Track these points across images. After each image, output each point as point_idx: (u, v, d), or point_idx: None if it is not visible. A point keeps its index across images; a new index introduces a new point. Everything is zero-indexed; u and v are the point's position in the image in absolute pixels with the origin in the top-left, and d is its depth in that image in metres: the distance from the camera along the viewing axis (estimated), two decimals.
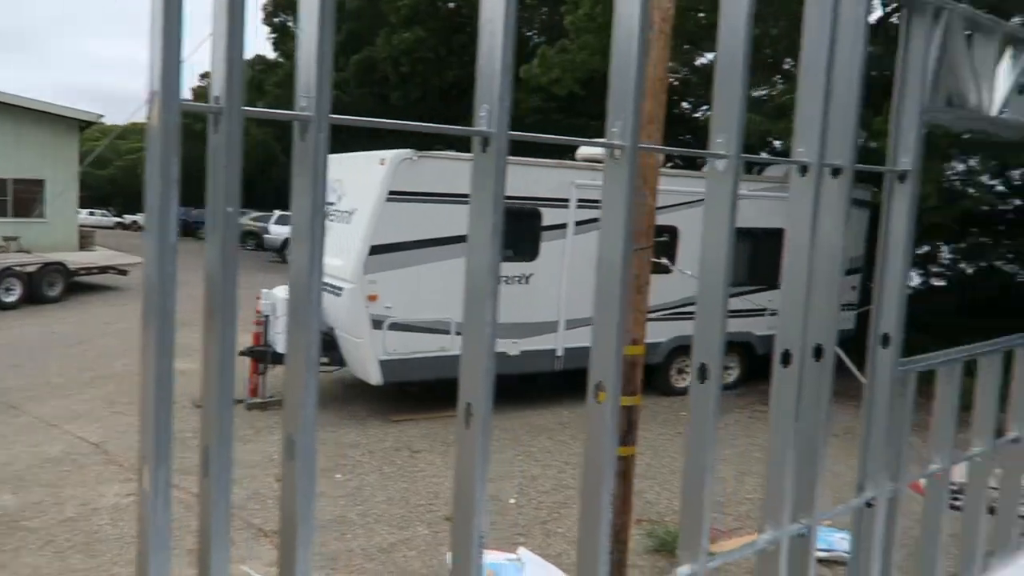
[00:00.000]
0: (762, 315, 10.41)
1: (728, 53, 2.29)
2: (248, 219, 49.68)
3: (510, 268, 11.32)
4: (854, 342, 4.34)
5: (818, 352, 2.80)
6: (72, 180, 35.19)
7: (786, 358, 2.66)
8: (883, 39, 9.92)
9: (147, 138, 1.32)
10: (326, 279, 3.78)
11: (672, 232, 10.30)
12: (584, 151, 12.16)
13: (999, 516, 4.06)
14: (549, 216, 11.60)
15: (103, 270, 30.98)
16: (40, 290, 26.74)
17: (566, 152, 13.50)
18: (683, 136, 13.49)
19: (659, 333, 10.11)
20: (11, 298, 25.63)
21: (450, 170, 12.08)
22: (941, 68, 3.02)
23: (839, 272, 2.77)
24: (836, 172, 2.69)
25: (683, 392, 10.17)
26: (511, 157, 1.79)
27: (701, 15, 12.62)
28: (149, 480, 1.30)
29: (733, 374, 10.42)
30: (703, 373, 2.38)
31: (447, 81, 32.69)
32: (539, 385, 12.74)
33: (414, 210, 12.27)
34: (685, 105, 14.09)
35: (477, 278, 1.87)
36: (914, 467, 3.57)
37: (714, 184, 2.35)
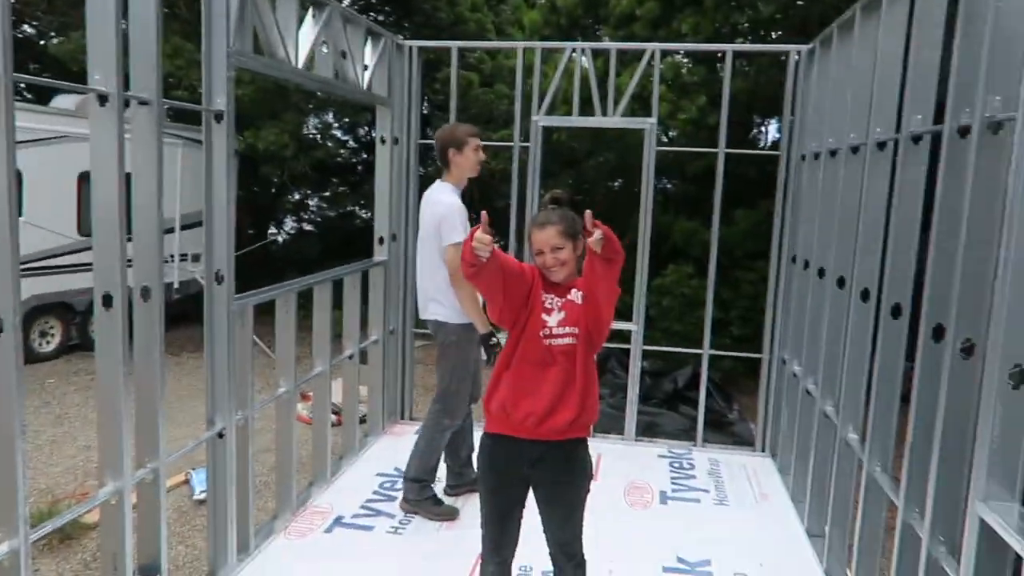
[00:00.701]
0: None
1: None
2: None
3: None
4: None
5: (146, 293, 2.75)
6: None
7: (108, 301, 2.53)
8: None
9: None
10: None
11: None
12: None
13: (344, 422, 4.72)
14: None
15: None
16: None
17: None
18: (32, 66, 11.58)
19: None
20: None
21: None
22: (244, 15, 3.20)
23: (158, 211, 2.74)
24: (144, 104, 2.63)
25: (49, 358, 8.96)
26: None
27: None
28: None
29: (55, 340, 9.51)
30: None
31: None
32: None
33: None
34: (29, 30, 12.03)
35: None
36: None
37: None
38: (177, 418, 5.72)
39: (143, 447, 2.78)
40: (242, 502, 3.36)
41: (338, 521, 3.80)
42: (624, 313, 9.38)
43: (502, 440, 2.50)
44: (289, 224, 15.05)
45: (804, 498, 3.95)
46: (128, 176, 2.60)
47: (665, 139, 10.17)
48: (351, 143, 14.44)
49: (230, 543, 3.27)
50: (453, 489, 4.12)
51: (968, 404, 2.20)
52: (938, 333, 2.39)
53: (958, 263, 2.21)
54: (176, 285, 9.69)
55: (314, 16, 3.98)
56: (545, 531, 2.55)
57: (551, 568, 2.62)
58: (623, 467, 4.56)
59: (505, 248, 11.14)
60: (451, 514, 3.86)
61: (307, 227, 14.87)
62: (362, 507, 3.96)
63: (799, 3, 8.40)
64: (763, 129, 11.47)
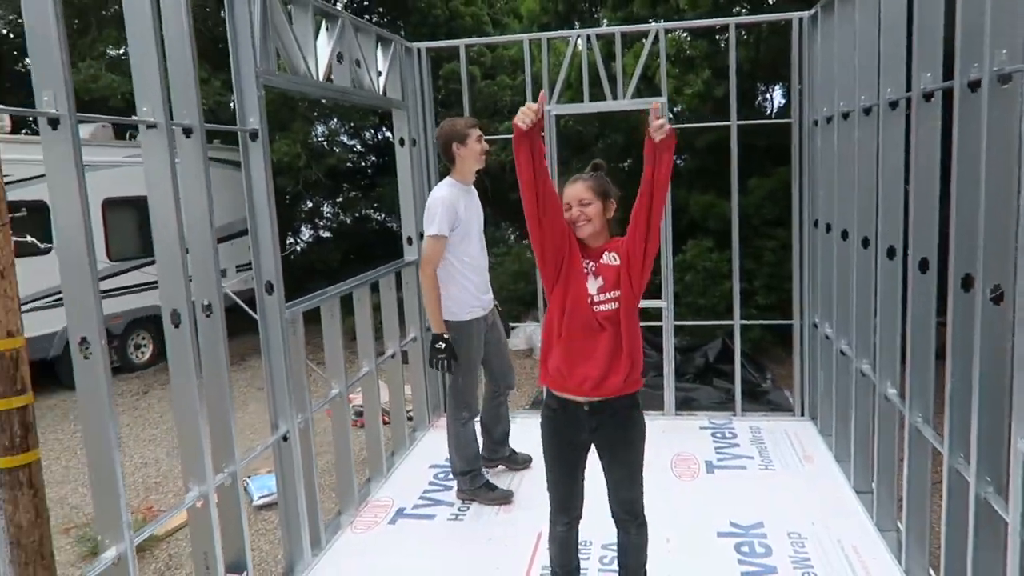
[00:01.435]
0: None
1: (37, 4, 2.13)
2: None
3: None
4: None
5: (207, 308, 2.90)
6: None
7: (175, 318, 2.68)
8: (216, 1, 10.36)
9: None
10: None
11: (44, 208, 9.03)
12: None
13: (392, 420, 4.87)
14: None
15: None
16: None
17: None
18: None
19: (56, 321, 9.02)
20: None
21: None
22: (267, 35, 3.34)
23: (211, 231, 2.88)
24: (188, 132, 2.77)
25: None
26: None
27: None
28: None
29: (147, 351, 9.84)
30: (85, 347, 2.24)
31: None
32: None
33: None
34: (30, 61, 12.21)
35: None
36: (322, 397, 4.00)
37: (51, 147, 2.19)
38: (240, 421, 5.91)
39: (218, 453, 2.93)
40: (311, 500, 3.52)
41: (400, 512, 3.96)
42: (652, 292, 9.51)
43: (562, 406, 2.64)
44: (306, 232, 15.24)
45: (848, 457, 4.06)
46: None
47: (670, 115, 10.24)
48: (358, 147, 14.62)
49: (304, 540, 3.43)
50: (487, 462, 4.31)
51: (1002, 348, 2.30)
52: (967, 283, 2.49)
53: (980, 213, 2.31)
54: None
55: (327, 28, 4.11)
56: (609, 493, 2.72)
57: (611, 540, 2.76)
58: (667, 441, 4.68)
59: (528, 236, 11.29)
60: (506, 498, 4.00)
61: (324, 234, 15.05)
62: (421, 498, 4.11)
63: None
64: (769, 97, 11.50)
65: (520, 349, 9.29)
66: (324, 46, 3.99)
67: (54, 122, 2.19)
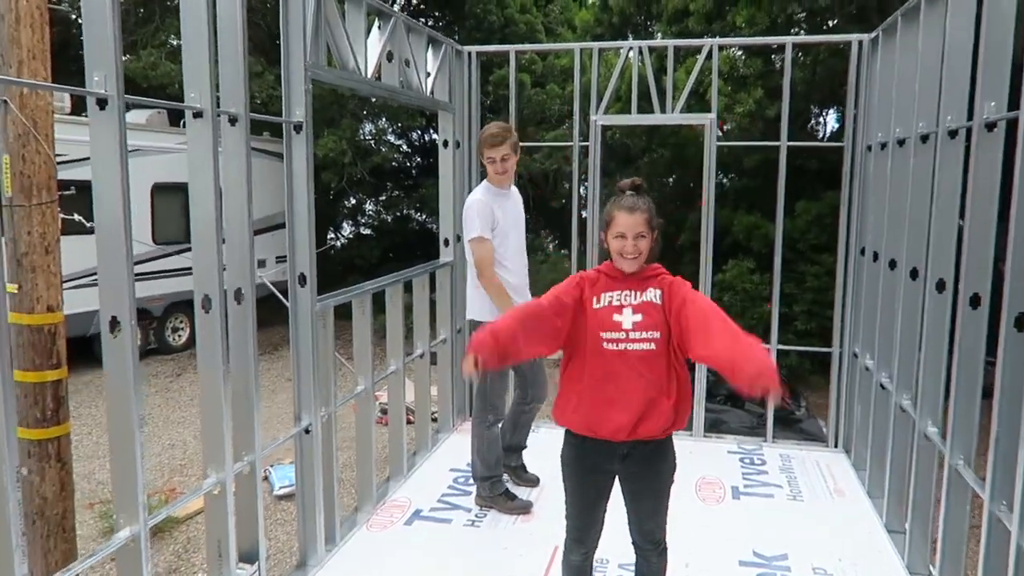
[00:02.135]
0: None
1: None
2: None
3: None
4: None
5: (239, 296, 2.90)
6: None
7: (206, 303, 2.69)
8: None
9: None
10: None
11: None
12: None
13: (417, 421, 4.85)
14: None
15: None
16: None
17: None
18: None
19: (93, 300, 9.28)
20: None
21: None
22: (319, 30, 3.35)
23: (248, 219, 2.89)
24: (233, 120, 2.79)
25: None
26: None
27: None
28: None
29: (184, 335, 10.03)
30: (116, 327, 2.25)
31: None
32: None
33: None
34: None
35: None
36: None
37: (98, 127, 2.20)
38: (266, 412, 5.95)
39: (239, 441, 2.93)
40: (328, 495, 3.51)
41: (417, 514, 3.93)
42: None
43: (591, 439, 2.46)
44: (347, 229, 15.39)
45: (881, 494, 3.92)
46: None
47: (720, 133, 10.12)
48: (404, 147, 14.73)
49: (318, 535, 3.42)
50: None
51: None
52: (1021, 322, 2.37)
53: None
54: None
55: (379, 27, 4.12)
56: (630, 521, 2.59)
57: (628, 560, 2.68)
58: (693, 463, 4.57)
59: (567, 245, 11.05)
60: (525, 508, 3.95)
61: (364, 231, 15.17)
62: (439, 501, 4.08)
63: None
64: (822, 120, 11.30)
65: (555, 359, 9.22)
66: (375, 44, 4.00)
67: (102, 102, 2.22)
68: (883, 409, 3.99)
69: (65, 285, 3.93)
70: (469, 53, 5.19)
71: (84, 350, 8.39)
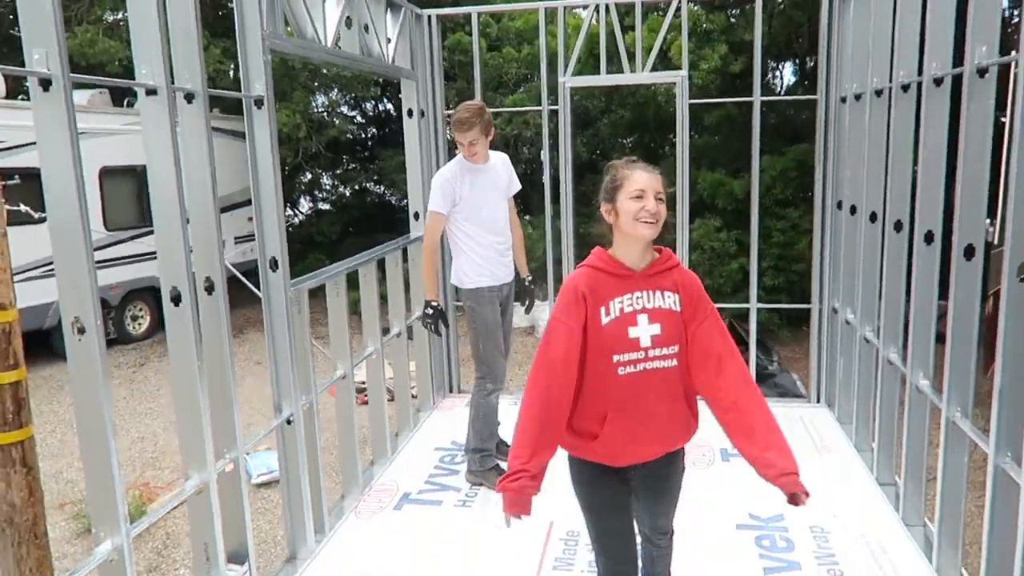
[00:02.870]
0: None
1: None
2: None
3: None
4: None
5: (210, 287, 2.73)
6: None
7: (176, 297, 2.52)
8: None
9: None
10: None
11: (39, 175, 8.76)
12: None
13: (397, 400, 4.73)
14: None
15: None
16: None
17: None
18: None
19: (52, 291, 8.89)
20: None
21: None
22: None
23: (213, 202, 2.71)
24: (190, 97, 2.59)
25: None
26: None
27: None
28: None
29: (144, 323, 9.69)
30: (80, 328, 2.08)
31: None
32: None
33: None
34: None
35: None
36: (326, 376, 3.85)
37: (43, 109, 2.00)
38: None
39: (220, 437, 2.78)
40: (314, 485, 3.39)
41: (406, 498, 3.82)
42: None
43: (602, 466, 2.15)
44: (304, 205, 15.01)
45: (869, 447, 3.93)
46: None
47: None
48: (359, 119, 14.35)
49: (307, 526, 3.30)
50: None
51: None
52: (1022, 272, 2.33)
53: None
54: None
55: None
56: (641, 518, 2.36)
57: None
58: None
59: (529, 211, 10.85)
60: None
61: (323, 206, 14.81)
62: (427, 482, 3.98)
63: None
64: (779, 74, 11.27)
65: (522, 327, 9.13)
66: (333, 10, 3.79)
67: (46, 83, 2.01)
68: (868, 363, 3.98)
69: (16, 278, 3.71)
70: (429, 16, 4.98)
71: (40, 343, 8.07)
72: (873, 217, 3.88)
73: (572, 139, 5.04)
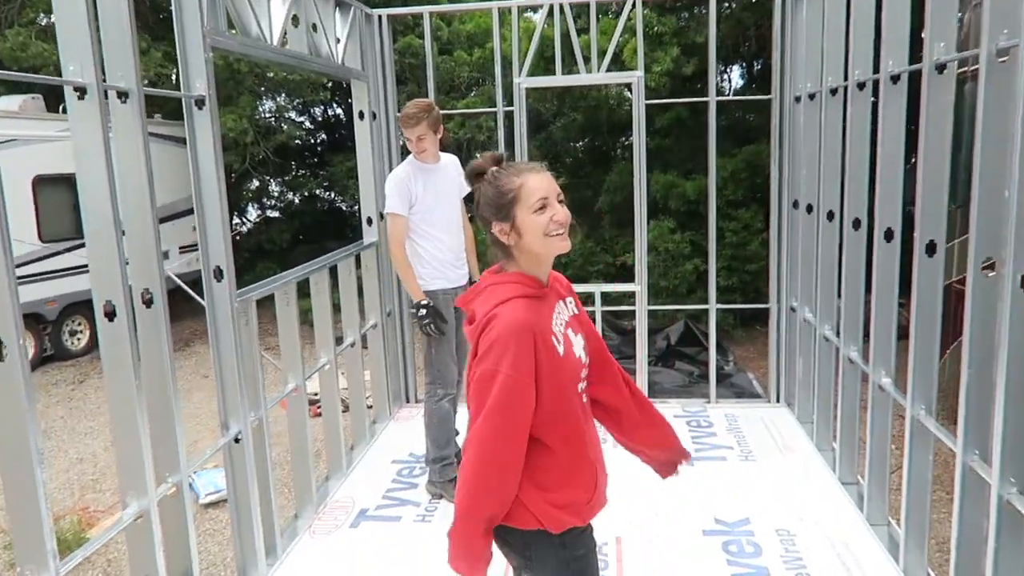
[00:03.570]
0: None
1: None
2: None
3: None
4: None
5: (149, 300, 2.56)
6: None
7: (110, 312, 2.34)
8: None
9: None
10: None
11: None
12: None
13: (352, 411, 4.57)
14: None
15: None
16: None
17: None
18: None
19: None
20: None
21: None
22: None
23: (151, 209, 2.53)
24: (123, 96, 2.41)
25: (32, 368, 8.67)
26: None
27: None
28: None
29: (83, 338, 9.26)
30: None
31: None
32: None
33: None
34: None
35: None
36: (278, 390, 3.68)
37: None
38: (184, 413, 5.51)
39: (161, 460, 2.61)
40: (265, 506, 3.22)
41: (363, 514, 3.67)
42: (622, 275, 9.23)
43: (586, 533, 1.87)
44: (252, 212, 14.64)
45: (830, 447, 3.92)
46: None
47: (629, 93, 10.03)
48: (307, 124, 14.06)
49: (258, 548, 3.13)
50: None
51: None
52: (990, 266, 2.31)
53: (1013, 198, 2.11)
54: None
55: None
56: None
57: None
58: None
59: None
60: None
61: (272, 214, 14.46)
62: (385, 497, 3.83)
63: None
64: (727, 76, 11.38)
65: None
66: (279, 7, 3.63)
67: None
68: (827, 362, 3.98)
69: None
70: (380, 16, 4.84)
71: None
72: (831, 216, 3.87)
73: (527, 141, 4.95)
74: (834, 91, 3.78)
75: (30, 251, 8.39)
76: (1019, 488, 2.18)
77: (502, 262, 1.78)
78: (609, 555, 3.18)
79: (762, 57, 10.09)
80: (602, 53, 4.73)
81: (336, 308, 4.31)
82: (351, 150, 4.86)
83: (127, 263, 2.45)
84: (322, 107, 13.54)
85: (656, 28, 8.11)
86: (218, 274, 2.97)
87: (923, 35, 2.68)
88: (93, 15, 2.26)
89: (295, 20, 3.79)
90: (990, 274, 2.31)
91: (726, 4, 8.45)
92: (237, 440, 3.06)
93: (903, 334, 2.95)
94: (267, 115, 12.53)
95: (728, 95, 10.81)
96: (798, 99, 4.42)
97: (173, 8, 2.82)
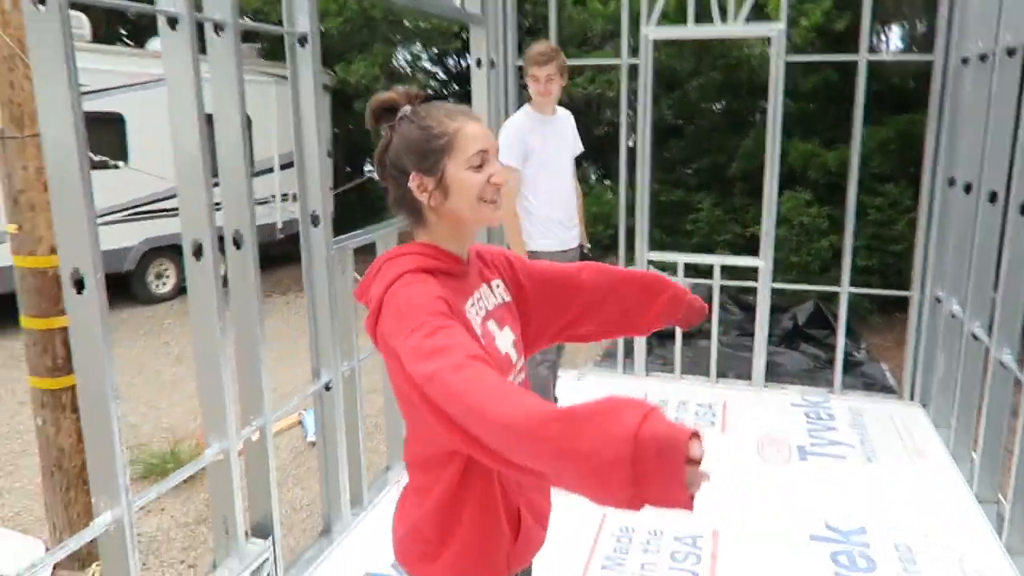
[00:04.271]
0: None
1: None
2: None
3: None
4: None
5: (238, 240, 2.52)
6: None
7: (198, 251, 2.31)
8: None
9: None
10: None
11: (117, 120, 8.72)
12: None
13: None
14: None
15: None
16: None
17: None
18: None
19: (132, 236, 8.97)
20: None
21: None
22: None
23: (244, 150, 2.48)
24: (219, 28, 2.35)
25: (166, 299, 9.27)
26: None
27: None
28: None
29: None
30: (80, 285, 1.89)
31: None
32: None
33: None
34: None
35: None
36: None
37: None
38: (289, 358, 5.67)
39: (247, 403, 2.60)
40: (353, 457, 3.20)
41: None
42: (750, 247, 8.77)
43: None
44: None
45: (969, 457, 3.49)
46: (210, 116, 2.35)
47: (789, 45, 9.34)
48: (440, 74, 14.11)
49: (343, 499, 3.12)
50: None
51: None
52: None
53: None
54: (280, 225, 9.72)
55: None
56: None
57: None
58: (752, 417, 4.18)
59: (611, 176, 10.52)
60: None
61: None
62: None
63: None
64: (883, 37, 10.39)
65: None
66: None
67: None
68: (974, 362, 3.52)
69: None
70: None
71: (120, 287, 8.19)
72: (993, 197, 3.37)
73: (657, 100, 4.63)
74: (1011, 52, 3.24)
75: (170, 187, 8.85)
76: None
77: (411, 228, 1.42)
78: (704, 549, 2.96)
79: (928, 16, 9.12)
80: (740, 2, 4.32)
81: None
82: None
83: (218, 206, 2.41)
84: (455, 57, 13.51)
85: None
86: (315, 220, 2.92)
87: None
88: None
89: None
90: None
91: None
92: (328, 388, 3.04)
93: None
94: (401, 64, 12.65)
95: (883, 55, 9.89)
96: (965, 61, 3.86)
97: None
